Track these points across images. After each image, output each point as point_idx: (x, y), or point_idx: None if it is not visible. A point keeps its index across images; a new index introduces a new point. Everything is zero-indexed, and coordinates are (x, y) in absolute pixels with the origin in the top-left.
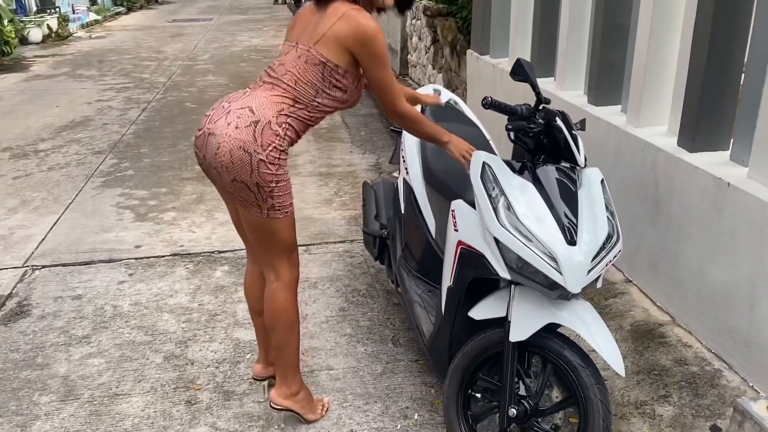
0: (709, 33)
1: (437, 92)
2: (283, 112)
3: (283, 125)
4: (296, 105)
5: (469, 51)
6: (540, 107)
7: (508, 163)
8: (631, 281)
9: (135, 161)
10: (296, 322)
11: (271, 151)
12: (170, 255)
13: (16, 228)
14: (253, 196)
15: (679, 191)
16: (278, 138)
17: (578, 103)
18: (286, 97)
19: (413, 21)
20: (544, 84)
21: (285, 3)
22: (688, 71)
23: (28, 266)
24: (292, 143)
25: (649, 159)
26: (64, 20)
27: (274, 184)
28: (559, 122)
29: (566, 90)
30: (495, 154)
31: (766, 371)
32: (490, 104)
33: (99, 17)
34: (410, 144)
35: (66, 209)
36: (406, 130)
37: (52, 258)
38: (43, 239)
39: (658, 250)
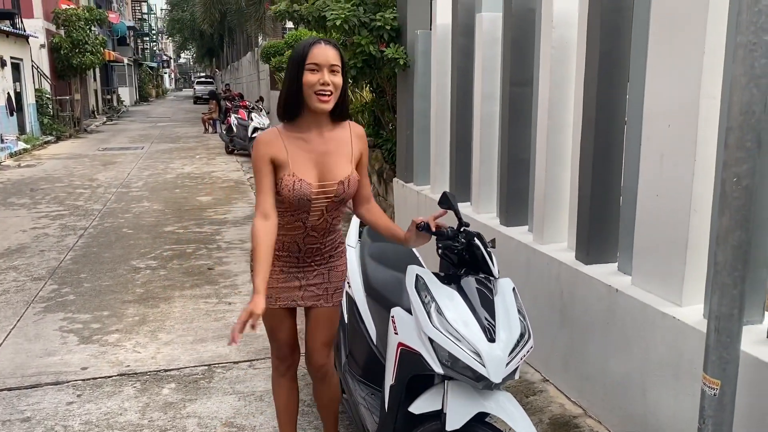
0: (591, 165)
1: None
2: None
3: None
4: None
5: (395, 179)
6: (462, 229)
7: (436, 274)
8: (548, 380)
9: (75, 286)
10: None
11: None
12: (117, 375)
13: None
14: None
15: (580, 298)
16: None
17: (492, 224)
18: None
19: None
20: (462, 208)
21: (215, 132)
22: (577, 197)
23: None
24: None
25: (554, 271)
26: None
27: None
28: (477, 241)
29: (481, 213)
30: (422, 266)
31: None
32: (423, 227)
33: (28, 146)
34: (351, 258)
35: (8, 336)
36: None
37: None
38: None
39: (568, 350)
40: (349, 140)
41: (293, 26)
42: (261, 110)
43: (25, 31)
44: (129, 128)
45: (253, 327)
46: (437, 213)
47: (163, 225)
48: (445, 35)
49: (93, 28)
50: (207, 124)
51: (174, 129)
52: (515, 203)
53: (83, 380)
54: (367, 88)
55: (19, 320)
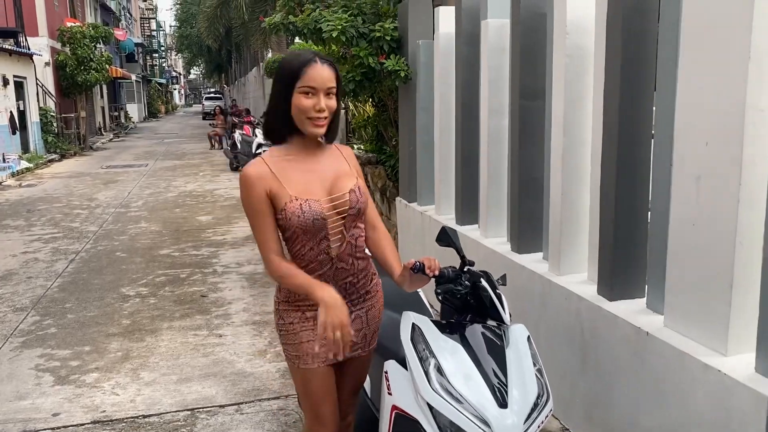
0: (613, 186)
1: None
2: None
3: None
4: None
5: (398, 198)
6: (465, 269)
7: (436, 323)
8: (567, 429)
9: (58, 318)
10: None
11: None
12: (90, 423)
13: None
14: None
15: (603, 339)
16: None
17: (502, 250)
18: None
19: None
20: (469, 231)
21: (221, 149)
22: (599, 223)
23: None
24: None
25: (573, 307)
26: None
27: (283, 332)
28: (484, 283)
29: (490, 237)
30: (427, 307)
31: None
32: (418, 269)
33: (31, 165)
34: None
35: None
36: None
37: None
38: None
39: (591, 398)
40: (342, 158)
41: (291, 39)
42: None
43: (29, 49)
44: (135, 145)
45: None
46: (430, 264)
47: (158, 247)
48: (449, 45)
49: (98, 45)
50: (213, 140)
51: (180, 145)
52: (528, 227)
53: (52, 429)
54: (370, 101)
55: None
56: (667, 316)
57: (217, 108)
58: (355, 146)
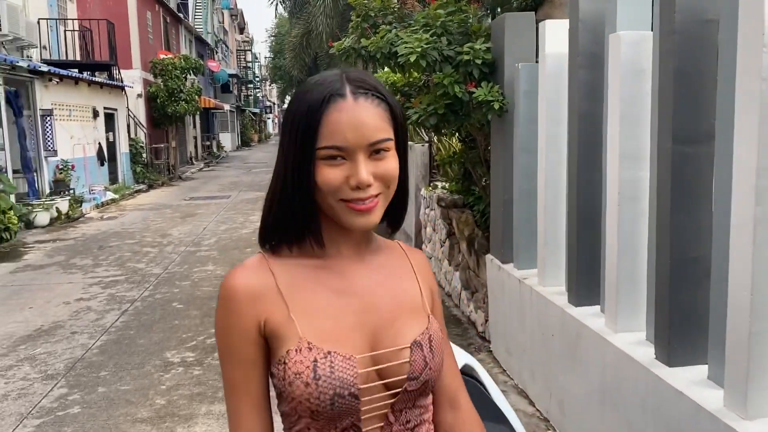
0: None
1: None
2: None
3: None
4: None
5: (489, 256)
6: None
7: None
8: None
9: (88, 391)
10: None
11: None
12: None
13: None
14: None
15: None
16: None
17: (639, 357)
18: None
19: (427, 210)
20: (588, 318)
21: None
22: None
23: None
24: None
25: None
26: (76, 201)
27: None
28: None
29: (621, 330)
30: None
31: None
32: None
33: (117, 196)
34: None
35: None
36: None
37: None
38: None
39: None
40: (408, 266)
41: (367, 65)
42: None
43: (122, 81)
44: (222, 175)
45: None
46: None
47: None
48: (559, 68)
49: (189, 77)
50: None
51: (266, 175)
52: (682, 321)
53: None
54: (456, 135)
55: None
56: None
57: None
58: (439, 185)
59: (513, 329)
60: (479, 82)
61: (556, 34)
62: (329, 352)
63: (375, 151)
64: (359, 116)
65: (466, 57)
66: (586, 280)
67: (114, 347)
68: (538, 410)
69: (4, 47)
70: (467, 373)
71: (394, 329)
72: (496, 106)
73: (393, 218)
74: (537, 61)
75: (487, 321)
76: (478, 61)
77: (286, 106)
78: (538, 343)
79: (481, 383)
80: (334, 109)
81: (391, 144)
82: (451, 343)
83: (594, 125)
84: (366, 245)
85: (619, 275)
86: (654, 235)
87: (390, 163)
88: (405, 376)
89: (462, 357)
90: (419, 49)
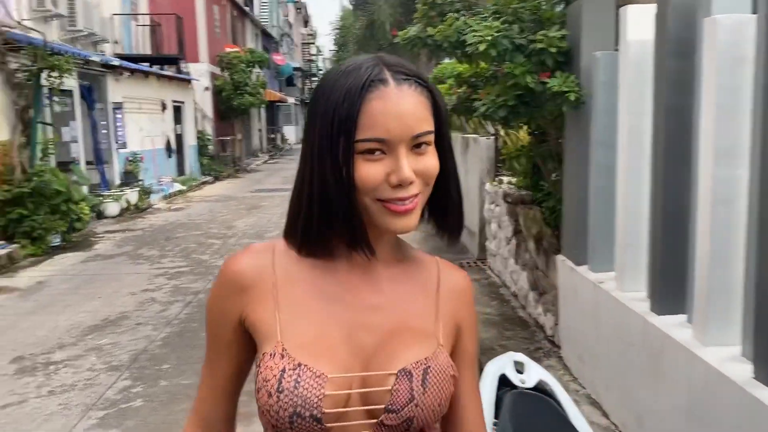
0: None
1: (518, 365)
2: None
3: None
4: None
5: (559, 257)
6: None
7: None
8: None
9: (150, 384)
10: None
11: None
12: None
13: None
14: None
15: None
16: None
17: (734, 375)
18: None
19: (491, 206)
20: (671, 329)
21: None
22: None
23: None
24: None
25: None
26: (145, 192)
27: None
28: None
29: (711, 344)
30: None
31: None
32: None
33: (184, 187)
34: None
35: None
36: None
37: None
38: None
39: None
40: (433, 287)
41: (431, 57)
42: None
43: (189, 75)
44: (286, 167)
45: None
46: None
47: None
48: (643, 57)
49: (254, 70)
50: None
51: None
52: None
53: None
54: (525, 128)
55: None
56: None
57: None
58: (505, 180)
59: (586, 336)
60: (553, 72)
61: (639, 20)
62: (299, 365)
63: (416, 145)
64: (403, 105)
65: (539, 45)
66: (670, 287)
67: (177, 340)
68: (612, 423)
69: (79, 42)
70: (542, 389)
71: (386, 351)
72: (572, 97)
73: (450, 227)
74: (617, 50)
75: (556, 325)
76: (553, 50)
77: (312, 93)
78: (615, 352)
79: (557, 401)
80: (376, 97)
81: (432, 138)
82: (525, 357)
83: (683, 118)
84: (390, 253)
85: (710, 283)
86: (755, 241)
87: (431, 160)
88: (384, 408)
89: (535, 372)
90: (489, 38)
